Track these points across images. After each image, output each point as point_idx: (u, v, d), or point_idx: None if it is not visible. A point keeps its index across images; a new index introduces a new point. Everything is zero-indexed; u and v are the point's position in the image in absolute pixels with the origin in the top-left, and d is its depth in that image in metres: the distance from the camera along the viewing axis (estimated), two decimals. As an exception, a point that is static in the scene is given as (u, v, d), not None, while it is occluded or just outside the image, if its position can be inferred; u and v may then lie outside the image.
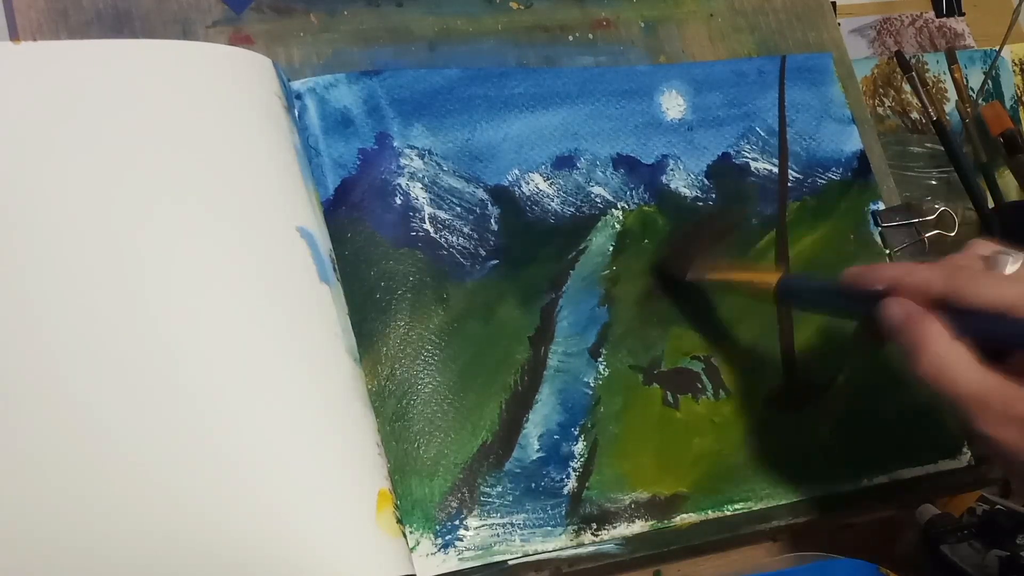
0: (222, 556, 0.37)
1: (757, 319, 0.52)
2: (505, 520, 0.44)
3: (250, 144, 0.43)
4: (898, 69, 0.68)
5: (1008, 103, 0.73)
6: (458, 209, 0.49)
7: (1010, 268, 0.39)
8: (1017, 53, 0.74)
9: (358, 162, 0.48)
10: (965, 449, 0.53)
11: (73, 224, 0.39)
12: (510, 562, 0.44)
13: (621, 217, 0.52)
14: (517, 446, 0.46)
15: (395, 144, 0.48)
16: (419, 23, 0.53)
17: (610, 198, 0.52)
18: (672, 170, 0.53)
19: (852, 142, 0.58)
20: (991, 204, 0.66)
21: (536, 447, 0.46)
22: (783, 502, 0.49)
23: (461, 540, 0.43)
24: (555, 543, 0.45)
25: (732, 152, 0.55)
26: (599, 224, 0.51)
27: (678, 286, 0.50)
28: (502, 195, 0.50)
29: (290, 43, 0.50)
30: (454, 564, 0.43)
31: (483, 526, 0.44)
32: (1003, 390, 0.37)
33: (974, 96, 0.71)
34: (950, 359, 0.38)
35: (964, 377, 0.37)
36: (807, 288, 0.48)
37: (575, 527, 0.45)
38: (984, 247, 0.41)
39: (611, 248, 0.51)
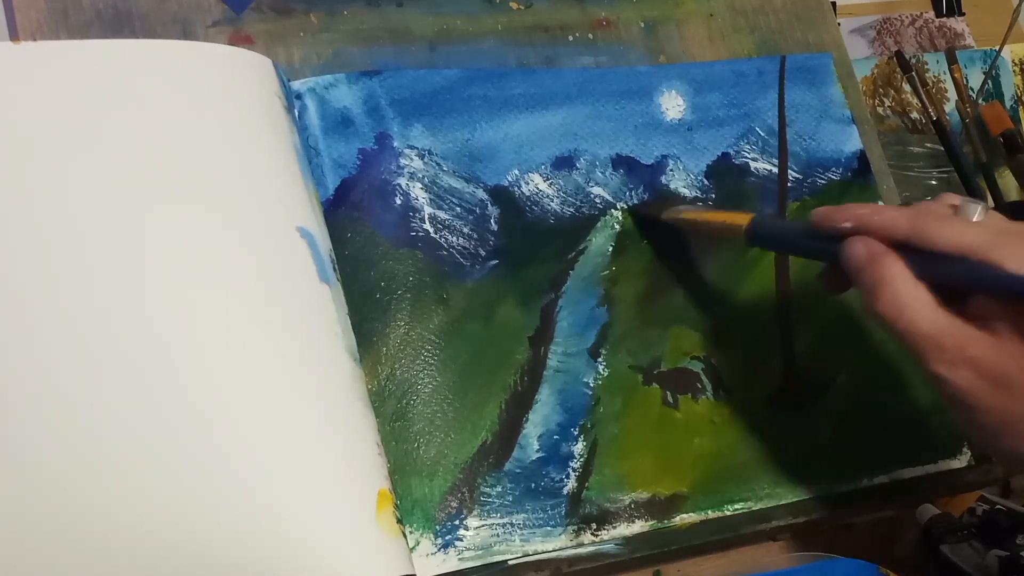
0: (222, 556, 0.37)
1: (757, 319, 0.52)
2: (505, 520, 0.44)
3: (250, 144, 0.43)
4: (898, 69, 0.68)
5: (1008, 103, 0.73)
6: (458, 209, 0.49)
7: (977, 216, 0.39)
8: (1017, 53, 0.74)
9: (358, 162, 0.48)
10: (965, 449, 0.53)
11: (73, 224, 0.39)
12: (510, 562, 0.44)
13: (621, 217, 0.52)
14: (517, 446, 0.46)
15: (395, 144, 0.48)
16: (419, 23, 0.53)
17: (610, 198, 0.52)
18: (672, 170, 0.54)
19: (852, 142, 0.58)
20: (991, 204, 0.66)
21: (536, 447, 0.46)
22: (783, 502, 0.49)
23: (461, 540, 0.43)
24: (555, 543, 0.45)
25: (732, 152, 0.55)
26: (599, 224, 0.51)
27: (652, 227, 0.51)
28: (502, 195, 0.50)
29: (290, 43, 0.50)
30: (454, 564, 0.43)
31: (483, 526, 0.44)
32: (958, 331, 0.37)
33: (974, 96, 0.71)
34: (910, 298, 0.38)
35: (922, 316, 0.38)
36: (777, 229, 0.48)
37: (575, 527, 0.45)
38: (954, 198, 0.41)
39: (611, 248, 0.51)
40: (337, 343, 0.42)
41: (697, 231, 0.51)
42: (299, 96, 0.48)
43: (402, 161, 0.48)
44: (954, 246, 0.38)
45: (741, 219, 0.47)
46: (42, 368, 0.37)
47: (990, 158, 0.68)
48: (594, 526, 0.45)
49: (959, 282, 0.38)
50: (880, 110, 0.69)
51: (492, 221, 0.49)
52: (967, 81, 0.71)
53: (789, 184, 0.56)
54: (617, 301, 0.50)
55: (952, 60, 0.70)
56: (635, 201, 0.52)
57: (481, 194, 0.49)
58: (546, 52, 0.54)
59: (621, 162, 0.53)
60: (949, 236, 0.38)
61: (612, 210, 0.52)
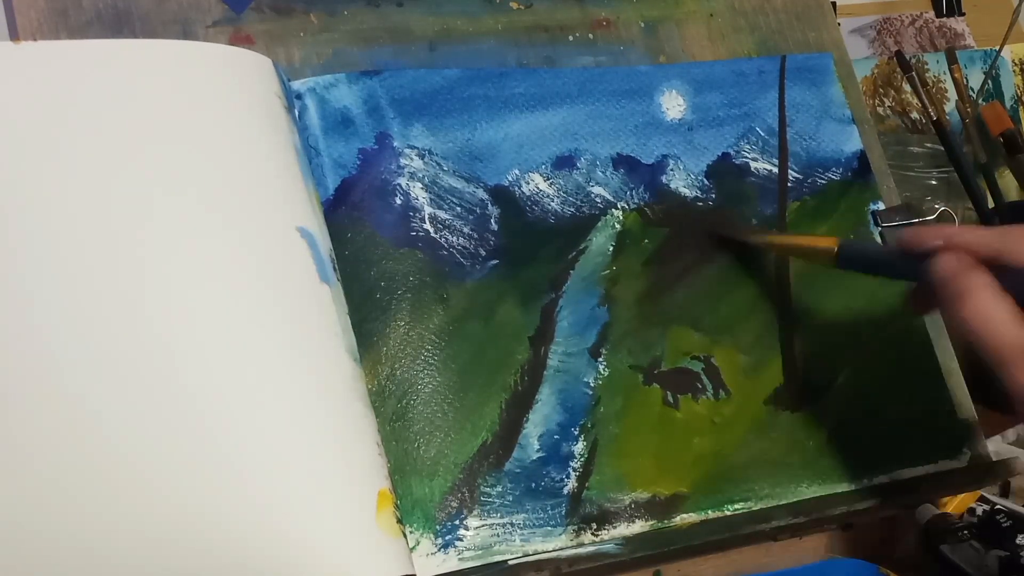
0: (222, 556, 0.37)
1: (757, 319, 0.52)
2: (505, 520, 0.44)
3: (250, 144, 0.43)
4: (898, 69, 0.68)
5: (1008, 103, 0.73)
6: (458, 209, 0.49)
7: None
8: (1017, 53, 0.74)
9: (358, 162, 0.48)
10: (965, 449, 0.53)
11: (73, 224, 0.39)
12: (510, 562, 0.44)
13: (621, 217, 0.52)
14: (517, 446, 0.46)
15: (395, 144, 0.48)
16: (419, 23, 0.53)
17: (610, 198, 0.52)
18: (672, 170, 0.53)
19: (852, 142, 0.58)
20: (991, 204, 0.66)
21: (536, 447, 0.46)
22: (783, 502, 0.49)
23: (461, 540, 0.43)
24: (555, 543, 0.45)
25: (732, 152, 0.55)
26: (599, 224, 0.51)
27: (733, 247, 0.52)
28: (502, 195, 0.50)
29: (290, 43, 0.50)
30: (454, 564, 0.43)
31: (483, 526, 0.44)
32: None
33: (974, 96, 0.71)
34: (994, 309, 0.39)
35: (1006, 328, 0.38)
36: (866, 251, 0.50)
37: (575, 527, 0.45)
38: None
39: (611, 248, 0.51)
40: (337, 343, 0.42)
41: (783, 254, 0.53)
42: (299, 96, 0.48)
43: (402, 161, 0.48)
44: None
45: (829, 242, 0.48)
46: (42, 368, 0.37)
47: (990, 158, 0.68)
48: (594, 526, 0.45)
49: None
50: (880, 110, 0.69)
51: (492, 221, 0.49)
52: (967, 81, 0.71)
53: (789, 184, 0.56)
54: (617, 301, 0.50)
55: (952, 60, 0.70)
56: (635, 201, 0.52)
57: (481, 194, 0.49)
58: (546, 52, 0.54)
59: (621, 162, 0.53)
60: None
61: (612, 210, 0.52)
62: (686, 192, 0.53)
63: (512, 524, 0.44)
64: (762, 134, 0.56)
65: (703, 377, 0.50)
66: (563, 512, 0.45)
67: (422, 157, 0.49)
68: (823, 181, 0.56)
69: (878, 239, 0.56)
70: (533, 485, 0.45)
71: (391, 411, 0.44)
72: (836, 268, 0.49)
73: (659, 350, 0.50)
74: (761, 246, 0.52)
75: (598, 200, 0.52)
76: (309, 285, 0.42)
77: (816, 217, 0.55)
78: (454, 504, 0.44)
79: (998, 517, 0.55)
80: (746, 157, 0.55)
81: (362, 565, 0.38)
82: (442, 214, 0.48)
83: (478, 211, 0.49)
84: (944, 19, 0.74)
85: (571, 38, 0.55)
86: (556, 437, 0.46)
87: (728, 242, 0.52)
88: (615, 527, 0.46)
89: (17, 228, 0.38)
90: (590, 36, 0.56)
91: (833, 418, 0.51)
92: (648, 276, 0.51)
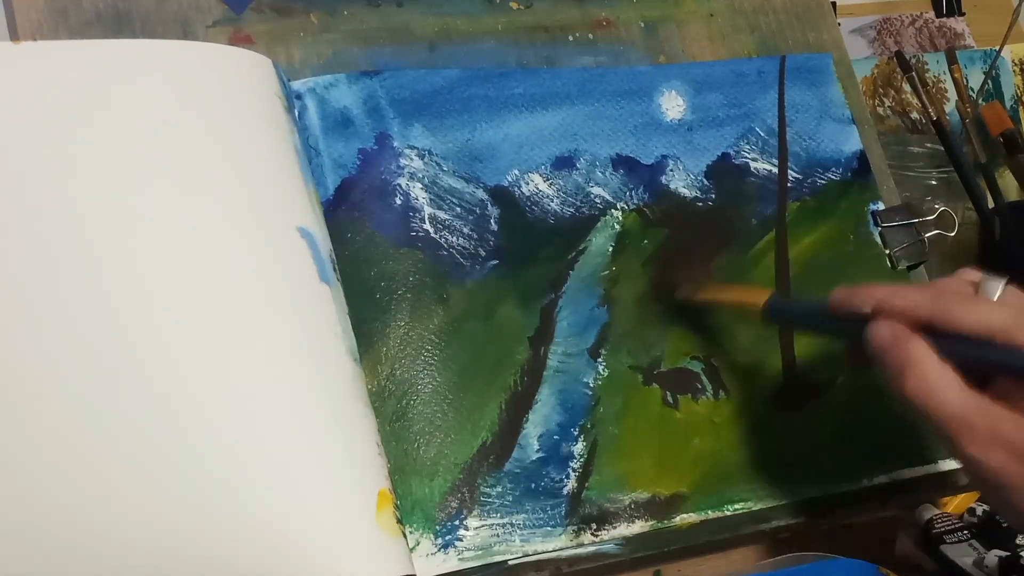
0: (222, 556, 0.37)
1: (757, 319, 0.52)
2: (505, 520, 0.44)
3: (250, 144, 0.43)
4: (898, 69, 0.68)
5: (1008, 103, 0.73)
6: (458, 209, 0.49)
7: (999, 294, 0.39)
8: (1017, 53, 0.74)
9: (358, 162, 0.48)
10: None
11: (72, 224, 0.39)
12: (510, 562, 0.44)
13: (621, 217, 0.52)
14: (517, 446, 0.46)
15: (395, 144, 0.48)
16: (419, 23, 0.53)
17: (610, 198, 0.52)
18: (672, 170, 0.54)
19: (852, 142, 0.58)
20: (991, 204, 0.66)
21: (536, 447, 0.46)
22: (783, 502, 0.49)
23: (461, 540, 0.43)
24: (555, 543, 0.45)
25: (732, 152, 0.55)
26: (599, 224, 0.51)
27: (671, 301, 0.51)
28: (502, 195, 0.50)
29: (290, 43, 0.50)
30: (454, 564, 0.43)
31: (483, 526, 0.44)
32: (988, 412, 0.37)
33: (974, 96, 0.71)
34: (936, 381, 0.38)
35: (949, 398, 0.37)
36: (795, 310, 0.49)
37: (575, 527, 0.45)
38: (972, 274, 0.41)
39: (611, 248, 0.51)
40: (337, 343, 0.42)
41: (712, 306, 0.52)
42: (299, 96, 0.48)
43: (402, 161, 0.48)
44: (979, 328, 0.38)
45: (757, 298, 0.47)
46: (42, 368, 0.37)
47: (990, 158, 0.68)
48: (594, 526, 0.45)
49: (985, 364, 0.38)
50: (880, 110, 0.69)
51: (492, 221, 0.49)
52: (967, 81, 0.71)
53: (789, 184, 0.56)
54: (617, 301, 0.50)
55: (952, 60, 0.70)
56: (635, 201, 0.52)
57: (481, 194, 0.49)
58: (546, 52, 0.54)
59: (621, 162, 0.53)
60: (974, 318, 0.38)
61: (612, 210, 0.52)
62: (686, 192, 0.53)
63: (512, 524, 0.44)
64: (762, 134, 0.56)
65: (703, 377, 0.50)
66: (563, 512, 0.45)
67: (422, 157, 0.49)
68: (823, 181, 0.56)
69: (878, 239, 0.56)
70: (533, 485, 0.45)
71: (391, 411, 0.44)
72: (765, 324, 0.49)
73: (659, 350, 0.50)
74: (691, 304, 0.51)
75: (598, 200, 0.52)
76: (309, 285, 0.42)
77: (816, 217, 0.55)
78: (454, 504, 0.44)
79: (998, 517, 0.55)
80: (746, 157, 0.55)
81: (362, 565, 0.38)
82: (442, 214, 0.48)
83: (478, 211, 0.49)
84: (944, 19, 0.74)
85: (571, 38, 0.55)
86: (556, 437, 0.46)
87: (663, 295, 0.51)
88: (615, 527, 0.46)
89: (17, 228, 0.38)
90: (590, 36, 0.56)
91: (833, 418, 0.51)
92: (648, 276, 0.51)
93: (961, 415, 0.37)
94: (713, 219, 0.53)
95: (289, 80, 0.48)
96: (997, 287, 0.39)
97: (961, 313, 0.38)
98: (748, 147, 0.56)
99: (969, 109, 0.69)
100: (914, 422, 0.53)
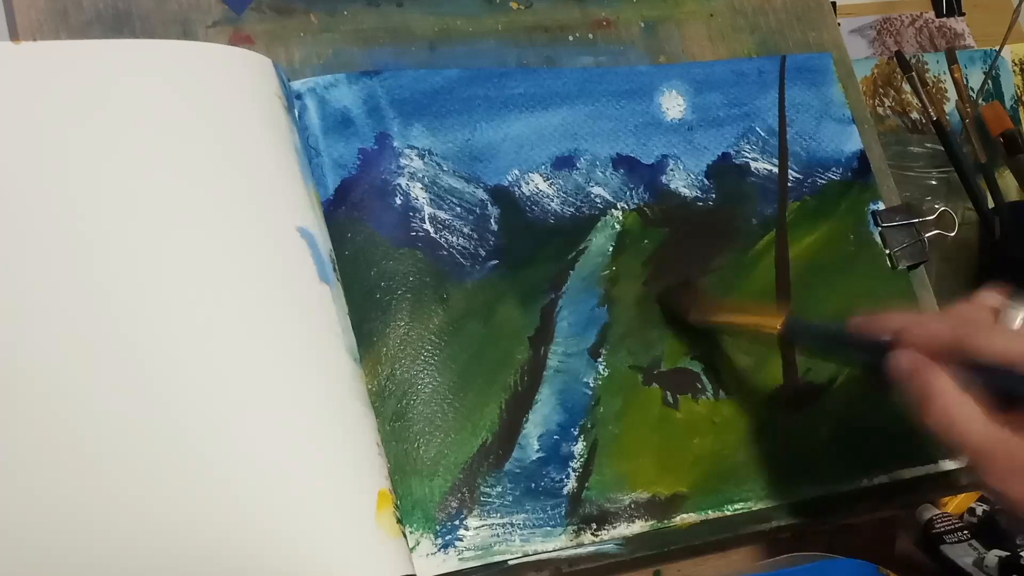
0: (222, 556, 0.37)
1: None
2: (505, 520, 0.44)
3: (250, 144, 0.43)
4: (898, 69, 0.68)
5: (1008, 103, 0.73)
6: (458, 209, 0.49)
7: (1020, 322, 0.39)
8: (1017, 53, 0.74)
9: (358, 162, 0.48)
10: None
11: (71, 224, 0.39)
12: (510, 562, 0.44)
13: (621, 217, 0.52)
14: (517, 446, 0.46)
15: (395, 144, 0.48)
16: (419, 23, 0.53)
17: (610, 198, 0.52)
18: (672, 170, 0.53)
19: (852, 142, 0.58)
20: (991, 204, 0.66)
21: (536, 447, 0.46)
22: (783, 502, 0.49)
23: (461, 540, 0.43)
24: (555, 543, 0.45)
25: (732, 152, 0.55)
26: (599, 224, 0.51)
27: (678, 321, 0.50)
28: (502, 195, 0.50)
29: (290, 43, 0.50)
30: (454, 564, 0.43)
31: (483, 526, 0.44)
32: (1008, 444, 0.37)
33: (974, 96, 0.71)
34: (957, 413, 0.38)
35: (970, 431, 0.38)
36: (812, 334, 0.48)
37: (575, 527, 0.45)
38: (992, 298, 0.41)
39: (611, 248, 0.51)
40: (337, 343, 0.42)
41: (725, 330, 0.51)
42: (299, 96, 0.48)
43: (402, 161, 0.48)
44: (999, 357, 0.38)
45: (773, 321, 0.47)
46: (40, 369, 0.37)
47: (990, 158, 0.68)
48: (594, 526, 0.45)
49: (1008, 393, 0.38)
50: (880, 110, 0.69)
51: (492, 221, 0.49)
52: (967, 81, 0.71)
53: (789, 184, 0.56)
54: (617, 301, 0.50)
55: (952, 60, 0.70)
56: (635, 201, 0.52)
57: (481, 194, 0.49)
58: (546, 52, 0.54)
59: (621, 162, 0.53)
60: (996, 348, 0.38)
61: (612, 210, 0.52)
62: (686, 192, 0.53)
63: (512, 524, 0.44)
64: (762, 134, 0.56)
65: (703, 377, 0.50)
66: (563, 512, 0.45)
67: (422, 157, 0.49)
68: (823, 181, 0.56)
69: (878, 239, 0.56)
70: (533, 485, 0.45)
71: (391, 411, 0.44)
72: (779, 347, 0.49)
73: (659, 350, 0.50)
74: (704, 326, 0.50)
75: (598, 200, 0.52)
76: (309, 285, 0.42)
77: (816, 217, 0.55)
78: (454, 504, 0.44)
79: (998, 517, 0.55)
80: (746, 157, 0.55)
81: (362, 565, 0.38)
82: (442, 214, 0.48)
83: (478, 211, 0.49)
84: (944, 19, 0.74)
85: (571, 38, 0.55)
86: (556, 437, 0.46)
87: (672, 315, 0.51)
88: (615, 527, 0.46)
89: (17, 228, 0.38)
90: (590, 36, 0.56)
91: (833, 418, 0.51)
92: (648, 276, 0.51)
93: (982, 448, 0.37)
94: (713, 219, 0.53)
95: (289, 80, 0.48)
96: (1018, 315, 0.39)
97: (983, 342, 0.38)
98: (748, 147, 0.56)
99: (969, 109, 0.69)
100: (914, 422, 0.53)
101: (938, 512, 0.56)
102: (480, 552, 0.43)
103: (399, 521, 0.41)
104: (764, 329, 0.47)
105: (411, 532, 0.43)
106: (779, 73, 0.58)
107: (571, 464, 0.46)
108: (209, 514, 0.37)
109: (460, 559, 0.43)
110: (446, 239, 0.48)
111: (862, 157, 0.58)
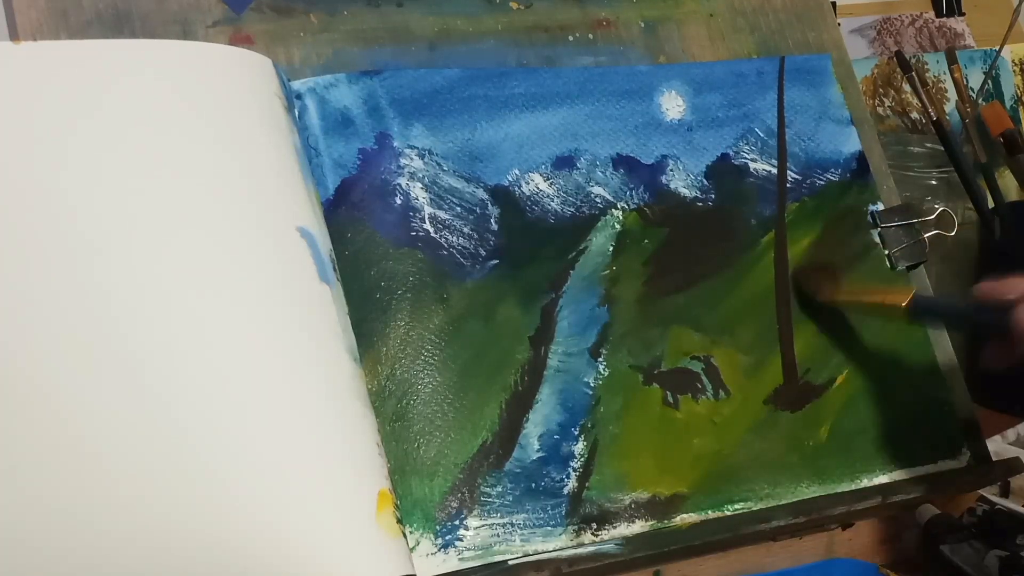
0: (222, 556, 0.37)
1: (757, 319, 0.52)
2: (505, 520, 0.44)
3: (250, 144, 0.43)
4: (898, 69, 0.68)
5: (1008, 103, 0.73)
6: (458, 209, 0.49)
7: None
8: (1017, 53, 0.74)
9: (358, 162, 0.48)
10: (965, 449, 0.53)
11: (71, 223, 0.39)
12: (510, 562, 0.44)
13: (621, 217, 0.52)
14: (517, 446, 0.46)
15: (395, 144, 0.48)
16: (419, 23, 0.53)
17: (610, 198, 0.52)
18: (672, 170, 0.54)
19: (851, 143, 0.58)
20: (991, 204, 0.66)
21: (536, 447, 0.46)
22: (783, 502, 0.49)
23: (461, 540, 0.43)
24: (555, 543, 0.45)
25: (731, 153, 0.55)
26: (599, 224, 0.51)
27: (809, 303, 0.53)
28: (502, 195, 0.50)
29: (290, 43, 0.50)
30: (454, 564, 0.43)
31: (483, 526, 0.44)
32: None
33: (974, 96, 0.71)
34: None
35: None
36: (938, 305, 0.51)
37: (575, 527, 0.45)
38: None
39: (611, 248, 0.51)
40: (337, 343, 0.42)
41: (853, 309, 0.53)
42: (299, 96, 0.48)
43: (402, 161, 0.48)
44: None
45: (900, 298, 0.49)
46: (41, 368, 0.37)
47: (990, 158, 0.68)
48: (594, 526, 0.45)
49: None
50: (880, 110, 0.69)
51: (492, 221, 0.49)
52: (967, 81, 0.71)
53: (788, 185, 0.56)
54: (617, 301, 0.50)
55: (952, 60, 0.70)
56: (635, 201, 0.52)
57: (481, 194, 0.49)
58: (546, 52, 0.54)
59: (621, 162, 0.53)
60: None
61: (612, 210, 0.52)
62: (686, 192, 0.53)
63: (512, 524, 0.44)
64: (761, 135, 0.56)
65: (703, 377, 0.50)
66: (563, 512, 0.45)
67: (422, 157, 0.49)
68: (822, 182, 0.56)
69: (877, 240, 0.56)
70: (533, 485, 0.45)
71: (391, 411, 0.44)
72: (908, 322, 0.50)
73: (659, 350, 0.50)
74: (835, 305, 0.53)
75: (598, 200, 0.52)
76: (309, 285, 0.42)
77: (815, 218, 0.55)
78: (454, 504, 0.44)
79: (998, 517, 0.55)
80: (745, 158, 0.55)
81: (362, 565, 0.38)
82: (442, 214, 0.48)
83: (478, 211, 0.49)
84: (944, 19, 0.74)
85: (571, 38, 0.55)
86: (556, 437, 0.46)
87: (804, 297, 0.53)
88: (615, 527, 0.46)
89: (17, 229, 0.38)
90: (590, 36, 0.56)
91: (833, 418, 0.51)
92: (648, 276, 0.51)
93: None
94: (713, 219, 0.53)
95: (289, 80, 0.48)
96: None
97: None
98: (748, 147, 0.56)
99: (969, 109, 0.69)
100: (914, 422, 0.53)
101: (938, 512, 0.56)
102: (480, 552, 0.43)
103: (399, 521, 0.41)
104: (891, 306, 0.49)
105: (411, 532, 0.43)
106: (778, 74, 0.58)
107: (571, 464, 0.46)
108: (209, 514, 0.37)
109: (460, 559, 0.43)
110: (446, 239, 0.48)
111: (860, 158, 0.58)
